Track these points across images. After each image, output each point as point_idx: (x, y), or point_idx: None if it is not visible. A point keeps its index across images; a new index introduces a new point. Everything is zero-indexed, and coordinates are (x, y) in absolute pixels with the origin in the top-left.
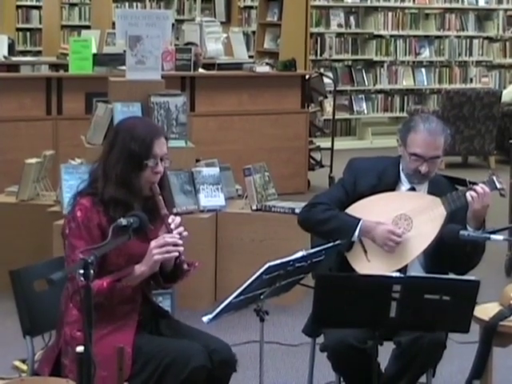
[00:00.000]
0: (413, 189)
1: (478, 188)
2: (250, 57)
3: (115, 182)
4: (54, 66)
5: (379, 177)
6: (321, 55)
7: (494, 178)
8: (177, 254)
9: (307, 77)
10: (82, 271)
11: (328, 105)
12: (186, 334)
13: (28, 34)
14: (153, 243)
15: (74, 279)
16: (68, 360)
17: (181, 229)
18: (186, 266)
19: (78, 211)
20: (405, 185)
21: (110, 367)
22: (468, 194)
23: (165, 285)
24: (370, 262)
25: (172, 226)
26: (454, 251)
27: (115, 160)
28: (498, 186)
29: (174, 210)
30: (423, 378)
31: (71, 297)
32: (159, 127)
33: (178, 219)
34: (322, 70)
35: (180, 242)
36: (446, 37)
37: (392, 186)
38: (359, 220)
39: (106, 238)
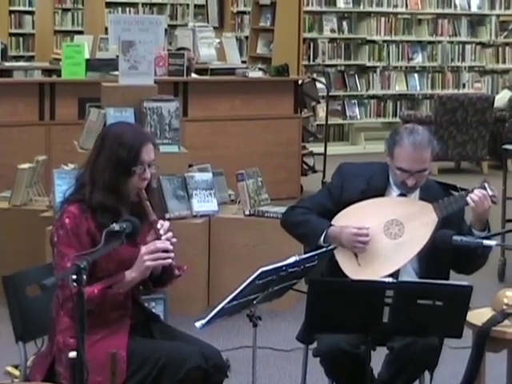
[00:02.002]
0: (404, 194)
1: (477, 192)
2: (243, 62)
3: (103, 187)
4: (47, 71)
5: (368, 182)
6: (313, 60)
7: (486, 185)
8: (169, 261)
9: (300, 82)
10: (74, 277)
11: (321, 110)
12: (178, 339)
13: (21, 39)
14: (143, 249)
15: (64, 287)
16: (62, 367)
17: (169, 234)
18: (177, 272)
19: (66, 218)
20: (395, 190)
21: (104, 372)
22: (469, 199)
23: (154, 289)
24: (361, 266)
25: (161, 232)
26: (467, 255)
27: (103, 166)
28: (490, 192)
29: (167, 216)
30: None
31: (62, 304)
32: (147, 133)
33: (166, 224)
34: (314, 75)
35: (171, 247)
36: (439, 42)
37: (381, 191)
38: (327, 226)
39: (95, 245)
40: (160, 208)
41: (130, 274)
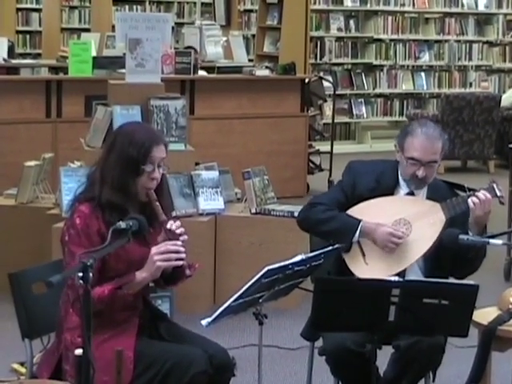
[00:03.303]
0: (411, 193)
1: (480, 195)
2: (250, 60)
3: (111, 185)
4: (54, 69)
5: (378, 180)
6: (320, 59)
7: (494, 186)
8: (180, 263)
9: (307, 80)
10: (80, 274)
11: (327, 108)
12: (185, 338)
13: (28, 36)
14: (154, 249)
15: (74, 286)
16: (69, 365)
17: (182, 229)
18: (188, 272)
19: (77, 218)
20: (403, 189)
21: (111, 372)
22: (470, 200)
23: (165, 287)
24: (368, 265)
25: (174, 228)
26: (456, 257)
27: (113, 164)
28: (498, 193)
29: (173, 214)
30: (422, 382)
31: (72, 304)
32: (159, 134)
33: (177, 222)
34: (321, 74)
35: (182, 249)
36: (446, 41)
37: (391, 190)
38: (359, 221)
39: None
40: (169, 208)
41: (141, 275)
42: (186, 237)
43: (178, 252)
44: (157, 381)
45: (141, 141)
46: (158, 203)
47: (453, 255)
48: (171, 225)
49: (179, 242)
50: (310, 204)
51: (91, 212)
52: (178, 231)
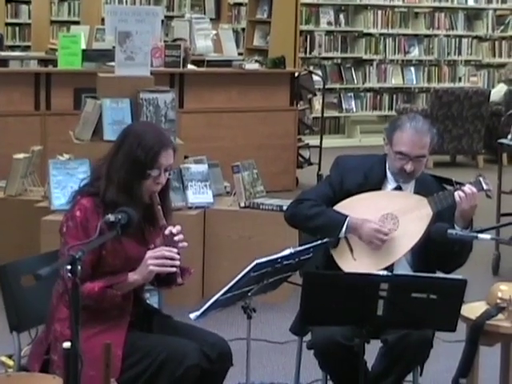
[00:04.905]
0: (399, 188)
1: (466, 188)
2: (240, 54)
3: (117, 185)
4: (43, 62)
5: (365, 175)
6: (310, 53)
7: (481, 179)
8: (173, 269)
9: (296, 74)
10: (69, 267)
11: (317, 103)
12: (181, 331)
13: (17, 28)
14: (149, 253)
15: (64, 278)
16: (56, 356)
17: (181, 236)
18: (179, 280)
19: (77, 211)
20: (391, 183)
21: (98, 367)
22: (456, 194)
23: (158, 288)
24: (356, 260)
25: (174, 231)
26: (442, 250)
27: (120, 164)
28: (485, 187)
29: None
30: (410, 376)
31: (61, 295)
32: (169, 138)
33: (178, 227)
34: (311, 68)
35: (177, 256)
36: (436, 36)
37: (378, 184)
38: (346, 217)
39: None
40: (170, 212)
41: (133, 276)
42: (185, 244)
43: (172, 259)
44: (149, 373)
45: (150, 144)
46: (159, 207)
47: (439, 248)
48: (171, 229)
49: (175, 250)
50: (296, 200)
51: (93, 207)
52: (177, 238)
